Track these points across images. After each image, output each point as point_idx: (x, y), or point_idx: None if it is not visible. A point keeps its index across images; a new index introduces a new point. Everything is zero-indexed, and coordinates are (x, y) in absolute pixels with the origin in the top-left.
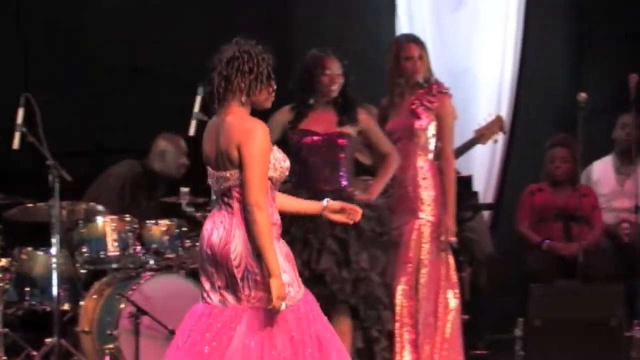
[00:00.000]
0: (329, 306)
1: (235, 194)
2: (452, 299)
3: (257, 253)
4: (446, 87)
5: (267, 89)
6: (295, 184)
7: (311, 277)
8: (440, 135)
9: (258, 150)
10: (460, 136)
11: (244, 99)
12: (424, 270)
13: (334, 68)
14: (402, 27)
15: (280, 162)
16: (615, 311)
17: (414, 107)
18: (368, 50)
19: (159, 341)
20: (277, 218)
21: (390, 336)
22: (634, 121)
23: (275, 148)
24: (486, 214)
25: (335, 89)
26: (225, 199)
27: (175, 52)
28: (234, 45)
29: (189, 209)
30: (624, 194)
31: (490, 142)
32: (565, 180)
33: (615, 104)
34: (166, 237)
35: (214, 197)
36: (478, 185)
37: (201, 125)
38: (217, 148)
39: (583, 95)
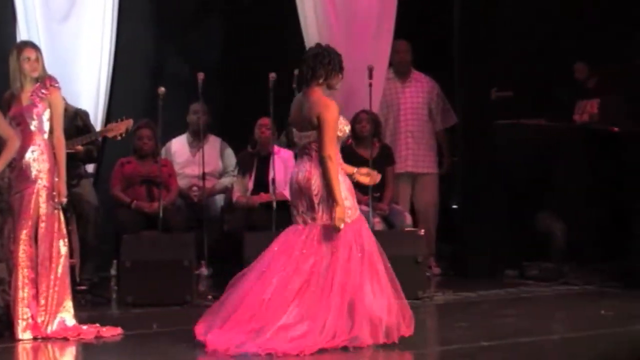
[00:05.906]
0: None
1: (313, 146)
2: (63, 247)
3: (327, 187)
4: (57, 82)
5: (337, 75)
6: None
7: None
8: (52, 119)
9: (331, 119)
10: None
11: (321, 82)
12: (42, 225)
13: None
14: (22, 34)
15: (342, 127)
16: (188, 254)
17: (32, 97)
18: None
19: None
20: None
21: (13, 275)
22: (201, 108)
23: (341, 117)
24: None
25: None
26: (307, 150)
27: None
28: (317, 47)
29: None
30: (194, 163)
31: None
32: (149, 154)
33: (187, 95)
34: None
35: (296, 150)
36: None
37: None
38: (302, 116)
39: (162, 89)
